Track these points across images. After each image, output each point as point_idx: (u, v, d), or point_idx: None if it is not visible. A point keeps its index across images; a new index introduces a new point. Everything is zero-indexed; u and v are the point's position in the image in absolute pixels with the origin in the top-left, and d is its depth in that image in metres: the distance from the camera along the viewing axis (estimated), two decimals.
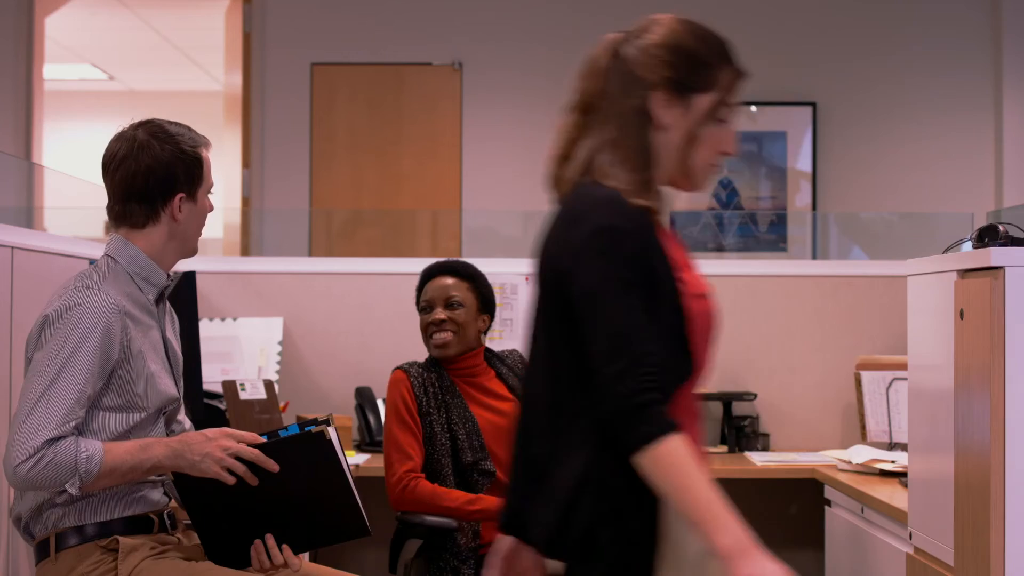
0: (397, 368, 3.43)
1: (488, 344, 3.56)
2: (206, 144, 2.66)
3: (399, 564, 3.37)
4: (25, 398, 2.40)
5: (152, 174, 2.55)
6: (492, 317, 3.49)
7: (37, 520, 2.50)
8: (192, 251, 2.69)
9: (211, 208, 2.69)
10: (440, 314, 3.38)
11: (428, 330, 3.40)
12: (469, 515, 3.25)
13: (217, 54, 7.37)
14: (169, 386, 2.62)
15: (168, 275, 2.65)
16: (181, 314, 3.17)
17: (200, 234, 2.68)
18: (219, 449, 2.44)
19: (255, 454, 2.45)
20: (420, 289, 3.47)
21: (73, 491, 2.38)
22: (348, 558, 4.32)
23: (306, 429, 2.49)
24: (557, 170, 2.10)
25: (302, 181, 6.57)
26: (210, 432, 2.48)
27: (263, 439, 2.48)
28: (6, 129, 6.48)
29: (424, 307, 3.43)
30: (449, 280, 3.42)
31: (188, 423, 2.80)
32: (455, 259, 3.55)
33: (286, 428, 2.53)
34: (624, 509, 1.90)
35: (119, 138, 2.59)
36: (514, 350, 3.57)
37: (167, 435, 2.66)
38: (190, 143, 2.59)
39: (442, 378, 3.41)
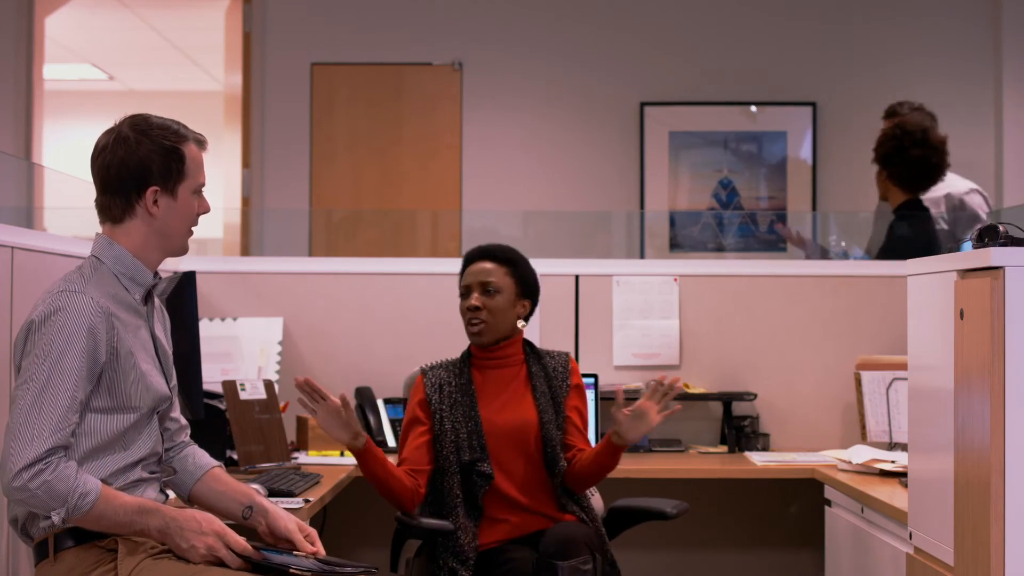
0: (419, 372, 3.46)
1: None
2: (198, 140, 2.63)
3: (400, 563, 3.38)
4: (17, 407, 2.39)
5: (124, 166, 2.54)
6: (534, 302, 3.47)
7: (34, 522, 2.50)
8: (178, 249, 2.65)
9: (203, 209, 2.65)
10: (475, 300, 3.38)
11: (465, 316, 3.42)
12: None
13: (217, 54, 7.37)
14: (161, 384, 2.61)
15: (155, 274, 2.64)
16: (182, 314, 3.18)
17: (187, 232, 2.64)
18: (204, 547, 2.46)
19: (239, 565, 2.47)
20: (462, 274, 3.47)
21: (56, 520, 2.38)
22: (348, 558, 4.31)
23: (292, 553, 2.56)
24: None
25: (302, 181, 6.57)
26: (205, 525, 2.48)
27: (251, 549, 2.50)
28: (6, 129, 6.48)
29: (462, 292, 3.44)
30: (488, 265, 3.41)
31: (183, 420, 2.80)
32: (497, 244, 3.51)
33: (276, 550, 2.58)
34: None
35: (106, 131, 2.60)
36: (563, 353, 3.52)
37: (161, 433, 2.66)
38: (172, 138, 2.57)
39: (462, 375, 3.40)
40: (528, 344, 3.49)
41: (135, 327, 2.57)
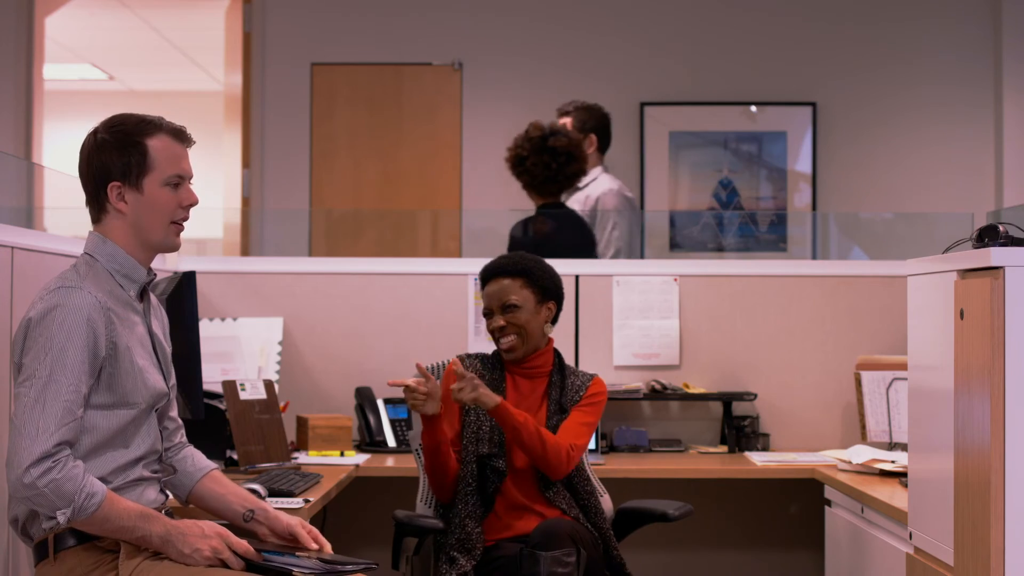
0: (456, 357, 3.49)
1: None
2: (173, 132, 2.59)
3: (400, 561, 3.40)
4: (21, 404, 2.39)
5: (89, 166, 2.57)
6: (559, 301, 3.50)
7: (35, 522, 2.49)
8: (159, 243, 2.61)
9: (187, 201, 2.60)
10: (500, 321, 3.42)
11: (493, 335, 3.46)
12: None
13: (217, 54, 7.36)
14: (158, 381, 2.61)
15: (148, 270, 2.63)
16: (182, 314, 3.18)
17: (164, 225, 2.59)
18: (210, 549, 2.46)
19: (242, 566, 2.48)
20: (481, 292, 3.52)
21: (62, 520, 2.37)
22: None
23: (294, 554, 2.56)
24: None
25: (302, 181, 6.57)
26: (207, 528, 2.49)
27: (253, 551, 2.50)
28: (6, 129, 6.47)
29: (485, 312, 3.48)
30: (504, 281, 3.44)
31: (179, 420, 2.80)
32: (508, 255, 3.55)
33: (276, 551, 2.58)
34: None
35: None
36: (590, 374, 3.53)
37: (160, 432, 2.65)
38: (134, 132, 2.56)
39: (495, 371, 3.45)
40: (559, 358, 3.52)
41: (131, 323, 2.56)
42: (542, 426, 3.37)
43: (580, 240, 4.94)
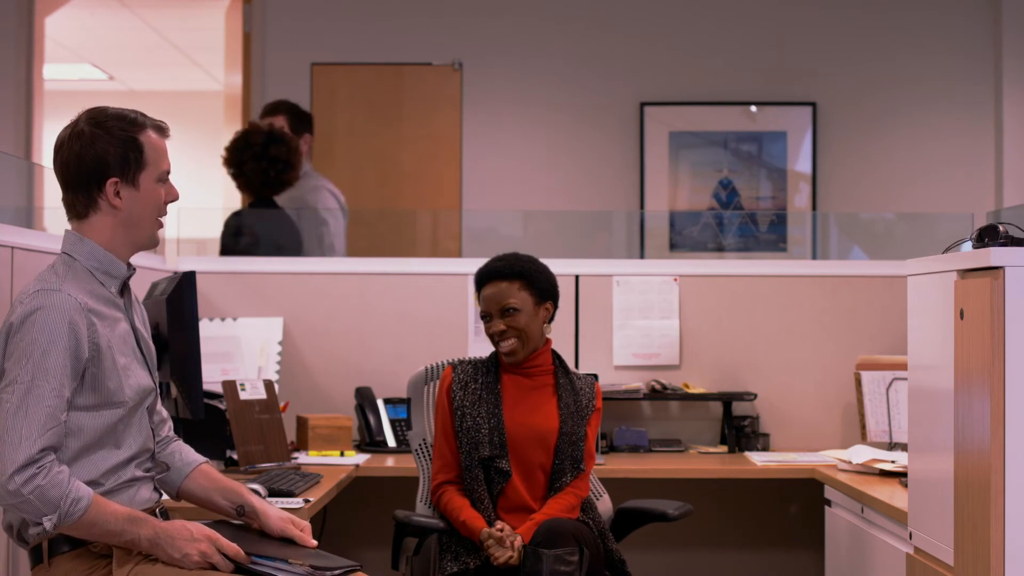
0: (448, 364, 3.49)
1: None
2: (158, 128, 2.59)
3: (400, 561, 3.39)
4: (3, 410, 2.37)
5: (82, 161, 2.52)
6: (556, 300, 3.48)
7: (28, 527, 2.48)
8: (146, 240, 2.62)
9: (171, 197, 2.61)
10: (499, 325, 3.40)
11: (493, 339, 3.44)
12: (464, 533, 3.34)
13: (217, 54, 7.36)
14: (143, 377, 2.59)
15: (128, 265, 2.62)
16: (182, 314, 3.17)
17: (154, 222, 2.60)
18: (198, 554, 2.44)
19: (232, 569, 2.46)
20: (477, 293, 3.49)
21: (48, 526, 2.35)
22: (348, 558, 4.31)
23: (287, 560, 2.53)
24: None
25: None
26: (196, 532, 2.46)
27: (243, 554, 2.48)
28: (6, 129, 6.47)
29: (483, 315, 3.45)
30: (502, 285, 3.41)
31: (165, 413, 2.78)
32: (503, 256, 3.49)
33: (267, 556, 2.55)
34: None
35: (64, 127, 2.57)
36: (590, 375, 3.55)
37: (150, 427, 2.64)
38: (128, 128, 2.54)
39: (489, 374, 3.44)
40: (558, 357, 3.52)
41: (114, 320, 2.54)
42: (555, 428, 3.39)
43: (293, 241, 4.96)
